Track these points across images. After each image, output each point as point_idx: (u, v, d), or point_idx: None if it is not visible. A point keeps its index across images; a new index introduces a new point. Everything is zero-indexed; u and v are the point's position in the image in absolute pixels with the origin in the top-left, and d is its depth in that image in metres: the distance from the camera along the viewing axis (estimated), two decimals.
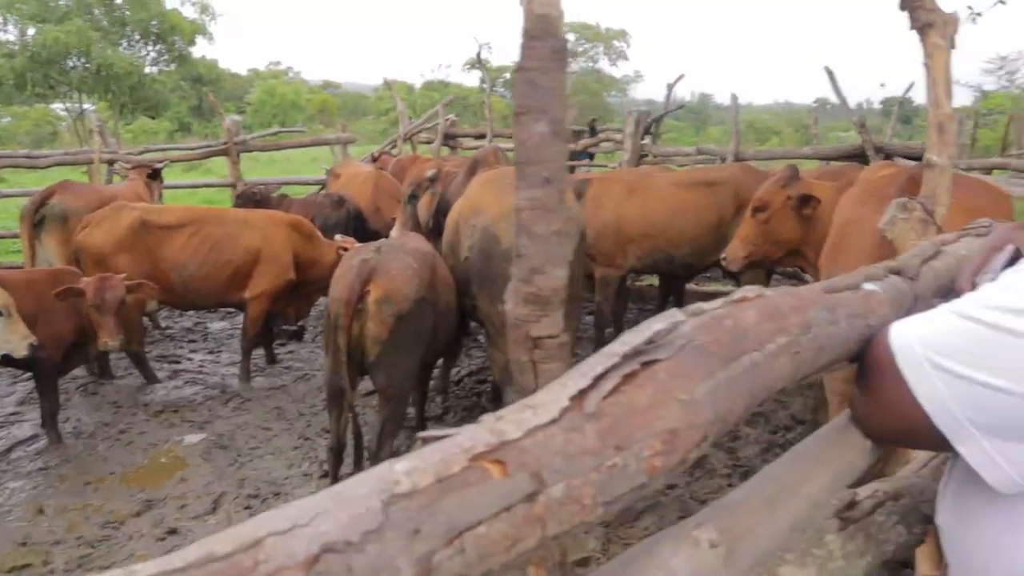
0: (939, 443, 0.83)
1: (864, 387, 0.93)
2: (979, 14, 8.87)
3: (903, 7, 1.75)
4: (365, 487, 0.53)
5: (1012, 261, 1.20)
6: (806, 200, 4.62)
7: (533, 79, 0.67)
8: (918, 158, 7.67)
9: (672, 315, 0.74)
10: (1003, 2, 8.84)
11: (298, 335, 7.36)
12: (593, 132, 13.16)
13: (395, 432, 4.25)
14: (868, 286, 1.01)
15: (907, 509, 1.17)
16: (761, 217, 4.80)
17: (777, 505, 0.82)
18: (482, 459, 0.57)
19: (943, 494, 0.96)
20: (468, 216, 4.37)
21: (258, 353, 6.72)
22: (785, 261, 5.20)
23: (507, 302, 0.72)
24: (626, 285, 7.67)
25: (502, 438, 0.59)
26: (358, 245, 4.98)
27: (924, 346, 0.83)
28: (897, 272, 1.17)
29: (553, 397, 0.64)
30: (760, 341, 0.79)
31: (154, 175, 8.22)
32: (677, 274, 7.37)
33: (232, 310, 7.47)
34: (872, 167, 4.45)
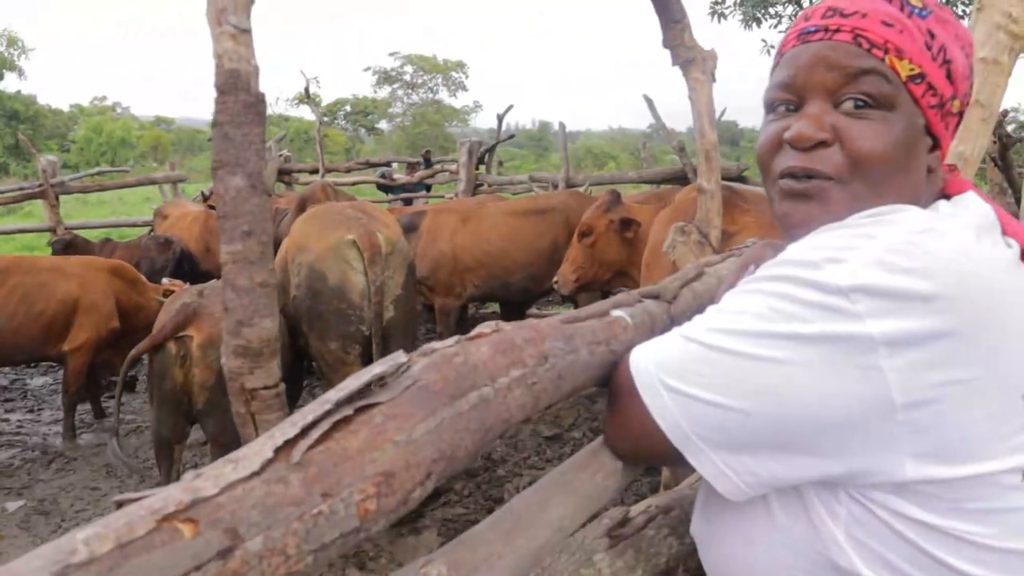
0: (679, 459, 0.87)
1: (611, 409, 0.98)
2: (773, 46, 9.55)
3: (665, 45, 1.86)
4: (40, 559, 0.51)
5: None
6: (627, 223, 4.82)
7: (227, 133, 0.68)
8: (731, 178, 8.14)
9: (396, 357, 0.75)
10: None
11: (130, 385, 6.99)
12: (428, 164, 13.24)
13: None
14: (616, 312, 1.06)
15: (678, 521, 1.22)
16: (587, 241, 4.96)
17: (515, 535, 0.84)
18: (172, 519, 0.56)
19: (696, 505, 1.02)
20: (294, 254, 4.30)
21: (85, 408, 6.35)
22: (614, 282, 5.39)
23: (222, 356, 0.71)
24: (467, 314, 7.74)
25: (196, 495, 0.58)
26: (185, 288, 4.80)
27: (657, 367, 0.88)
28: (654, 296, 1.23)
29: (257, 450, 0.63)
30: (492, 376, 0.81)
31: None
32: (515, 300, 7.51)
33: (54, 364, 7.03)
34: (684, 190, 4.68)
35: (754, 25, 9.68)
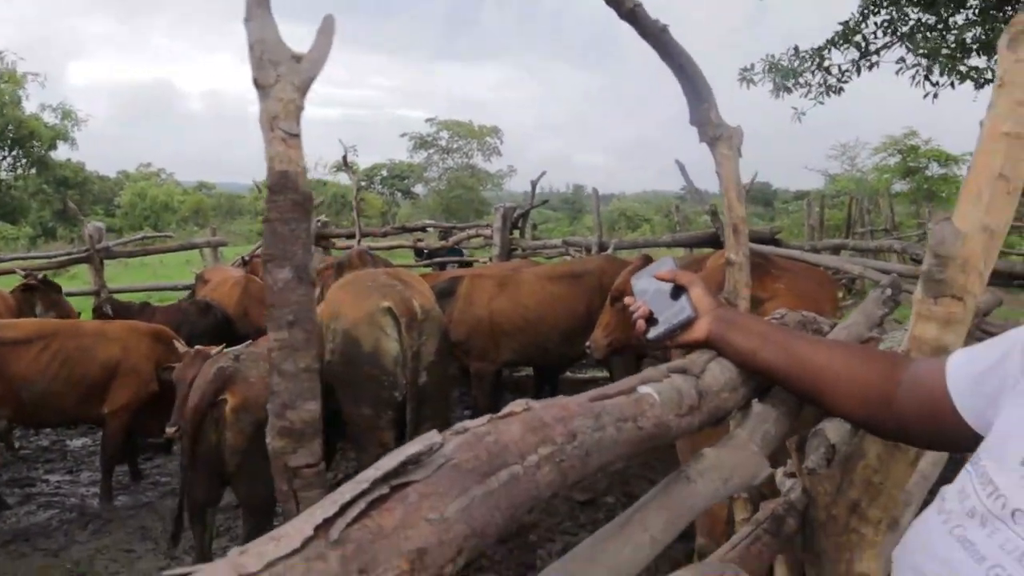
0: None
1: None
2: (803, 113, 9.65)
3: (692, 123, 1.92)
4: None
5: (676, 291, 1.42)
6: None
7: (276, 229, 0.73)
8: (764, 241, 8.17)
9: (430, 437, 0.79)
10: (822, 103, 9.66)
11: (165, 448, 7.07)
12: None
13: None
14: (643, 389, 1.09)
15: None
16: (619, 306, 4.98)
17: None
18: None
19: None
20: (328, 320, 4.37)
21: (122, 469, 6.42)
22: (687, 346, 5.38)
23: (267, 436, 0.75)
24: (501, 378, 7.75)
25: (240, 571, 0.61)
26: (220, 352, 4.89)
27: None
28: (682, 371, 1.25)
29: (298, 527, 0.67)
30: (521, 454, 0.85)
31: (28, 288, 7.95)
32: (551, 364, 7.52)
33: (93, 425, 7.14)
34: (715, 255, 4.71)
35: (783, 93, 9.81)
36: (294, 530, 0.66)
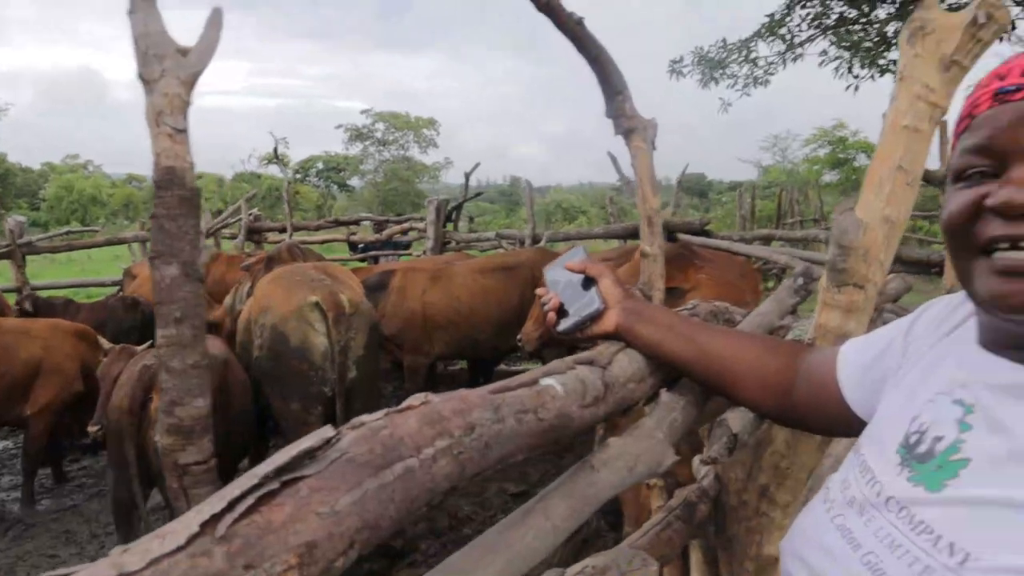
0: None
1: None
2: (730, 104, 9.85)
3: (608, 115, 1.95)
4: None
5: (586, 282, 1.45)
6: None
7: (163, 225, 0.73)
8: (694, 232, 8.31)
9: (324, 431, 0.80)
10: (748, 95, 9.89)
11: (92, 449, 6.90)
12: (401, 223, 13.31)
13: None
14: (546, 381, 1.11)
15: None
16: None
17: None
18: None
19: None
20: (257, 315, 4.33)
21: (45, 472, 6.25)
22: (597, 337, 5.43)
23: (156, 433, 0.75)
24: (436, 371, 7.75)
25: (121, 570, 0.61)
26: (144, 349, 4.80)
27: None
28: (588, 362, 1.28)
29: (185, 524, 0.67)
30: (417, 447, 0.86)
31: None
32: (484, 357, 7.55)
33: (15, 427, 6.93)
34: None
35: (712, 84, 10.00)
36: (180, 527, 0.67)
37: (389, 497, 0.81)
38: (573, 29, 1.94)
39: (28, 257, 10.52)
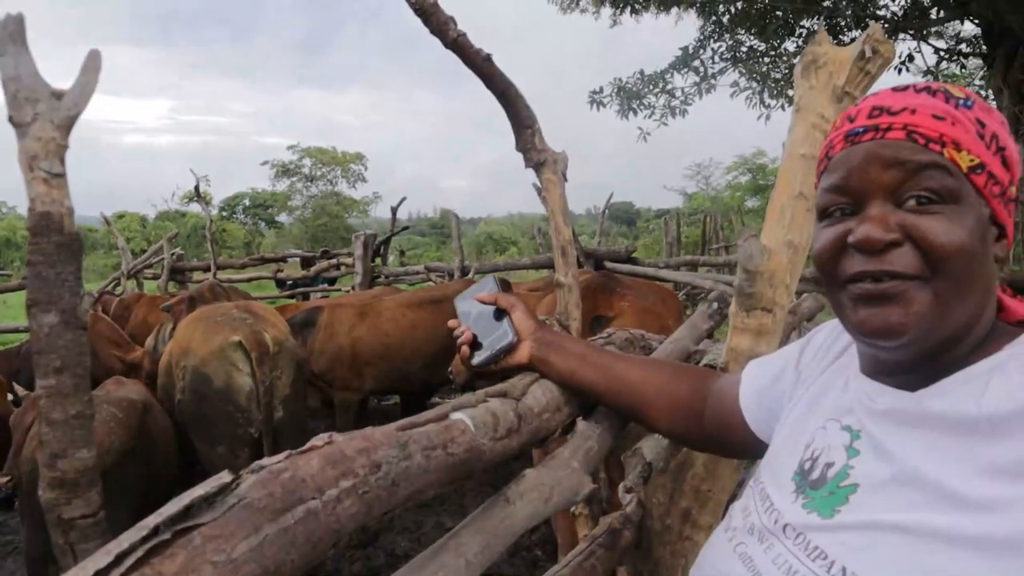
0: None
1: None
2: (649, 134, 10.09)
3: (518, 149, 1.98)
4: None
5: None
6: None
7: (40, 272, 0.71)
8: (620, 260, 8.43)
9: (221, 477, 0.78)
10: (666, 124, 10.14)
11: (7, 503, 6.61)
12: (329, 258, 13.23)
13: None
14: (456, 415, 1.11)
15: None
16: None
17: None
18: None
19: None
20: (178, 357, 4.22)
21: None
22: (512, 369, 5.45)
23: (39, 488, 0.73)
24: (367, 408, 7.66)
25: None
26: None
27: None
28: (502, 394, 1.28)
29: None
30: (319, 488, 0.85)
31: None
32: (415, 391, 7.49)
33: None
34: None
35: (630, 114, 10.23)
36: None
37: (290, 541, 0.79)
38: (481, 66, 1.97)
39: None
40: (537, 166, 1.94)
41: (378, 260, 11.02)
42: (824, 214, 0.94)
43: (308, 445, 0.90)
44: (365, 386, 6.70)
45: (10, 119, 0.93)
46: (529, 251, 30.58)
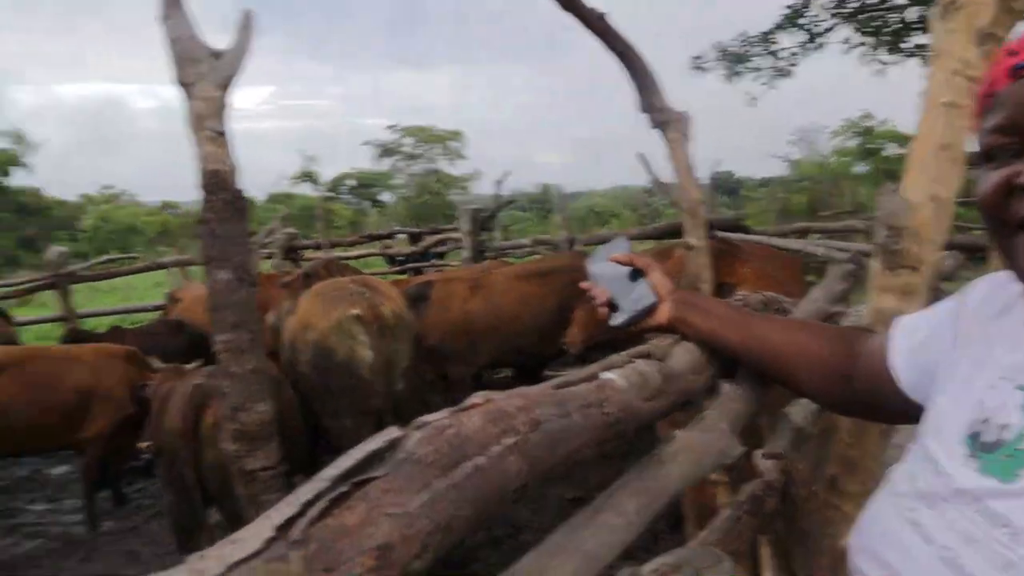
0: None
1: None
2: (756, 98, 9.77)
3: (640, 109, 1.93)
4: None
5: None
6: None
7: (213, 230, 0.72)
8: (730, 228, 8.21)
9: (389, 432, 0.78)
10: (773, 87, 9.79)
11: (146, 471, 6.98)
12: (436, 234, 13.38)
13: None
14: (606, 375, 1.09)
15: None
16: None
17: None
18: None
19: None
20: (300, 332, 4.34)
21: (105, 495, 6.35)
22: (649, 331, 5.40)
23: (220, 440, 0.74)
24: (481, 381, 7.73)
25: None
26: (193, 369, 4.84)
27: None
28: (646, 355, 1.26)
29: (258, 529, 0.66)
30: (484, 445, 0.84)
31: None
32: (529, 364, 7.51)
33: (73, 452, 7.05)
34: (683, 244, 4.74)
35: (735, 79, 9.93)
36: (254, 532, 0.65)
37: (460, 497, 0.79)
38: (596, 24, 1.93)
39: (72, 287, 10.71)
40: (661, 126, 1.89)
41: (484, 234, 11.09)
42: (988, 156, 0.87)
43: (468, 402, 0.90)
44: (478, 359, 6.76)
45: (176, 79, 0.96)
46: (632, 223, 30.28)
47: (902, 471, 0.99)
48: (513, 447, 0.87)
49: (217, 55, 0.99)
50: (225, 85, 0.97)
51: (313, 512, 0.68)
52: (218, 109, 0.91)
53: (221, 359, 0.68)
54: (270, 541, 0.65)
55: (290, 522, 0.67)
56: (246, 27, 1.05)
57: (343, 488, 0.71)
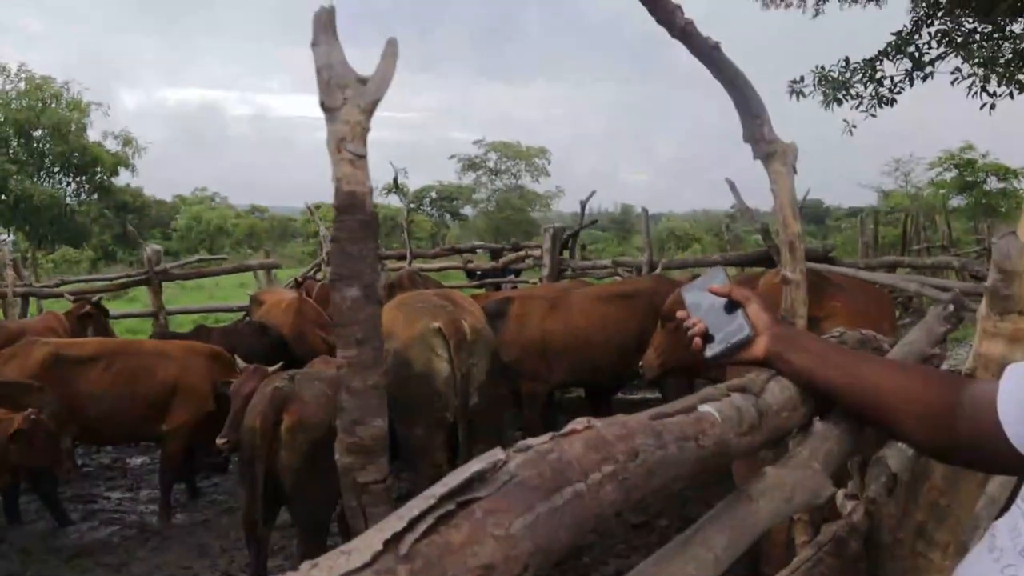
0: None
1: None
2: (855, 126, 9.51)
3: (746, 139, 1.91)
4: None
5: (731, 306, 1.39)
6: None
7: (344, 249, 0.74)
8: (817, 259, 8.04)
9: (494, 454, 0.79)
10: (874, 115, 9.51)
11: (222, 467, 7.17)
12: (517, 250, 13.45)
13: None
14: (703, 408, 1.09)
15: None
16: (670, 326, 4.94)
17: None
18: None
19: None
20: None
21: (180, 488, 6.54)
22: (700, 367, 5.34)
23: (336, 452, 0.76)
24: (554, 399, 7.73)
25: None
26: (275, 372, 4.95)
27: None
28: (741, 389, 1.25)
29: (368, 542, 0.68)
30: (584, 471, 0.85)
31: (86, 315, 8.22)
32: (603, 385, 7.48)
33: (153, 444, 7.28)
34: (768, 275, 4.66)
35: (834, 106, 9.68)
36: (364, 544, 0.67)
37: (560, 521, 0.80)
38: (709, 54, 1.92)
39: (163, 284, 11.10)
40: (766, 157, 1.88)
41: (565, 253, 11.09)
42: None
43: (569, 428, 0.91)
44: (553, 377, 6.76)
45: (321, 104, 1.00)
46: (713, 248, 29.90)
47: (1004, 526, 0.96)
48: (611, 475, 0.88)
49: (363, 81, 1.02)
50: (369, 111, 1.01)
51: (420, 528, 0.69)
52: (360, 133, 0.94)
53: (344, 375, 0.71)
54: (378, 555, 0.66)
55: (398, 537, 0.68)
56: (391, 54, 1.09)
57: (449, 506, 0.72)
